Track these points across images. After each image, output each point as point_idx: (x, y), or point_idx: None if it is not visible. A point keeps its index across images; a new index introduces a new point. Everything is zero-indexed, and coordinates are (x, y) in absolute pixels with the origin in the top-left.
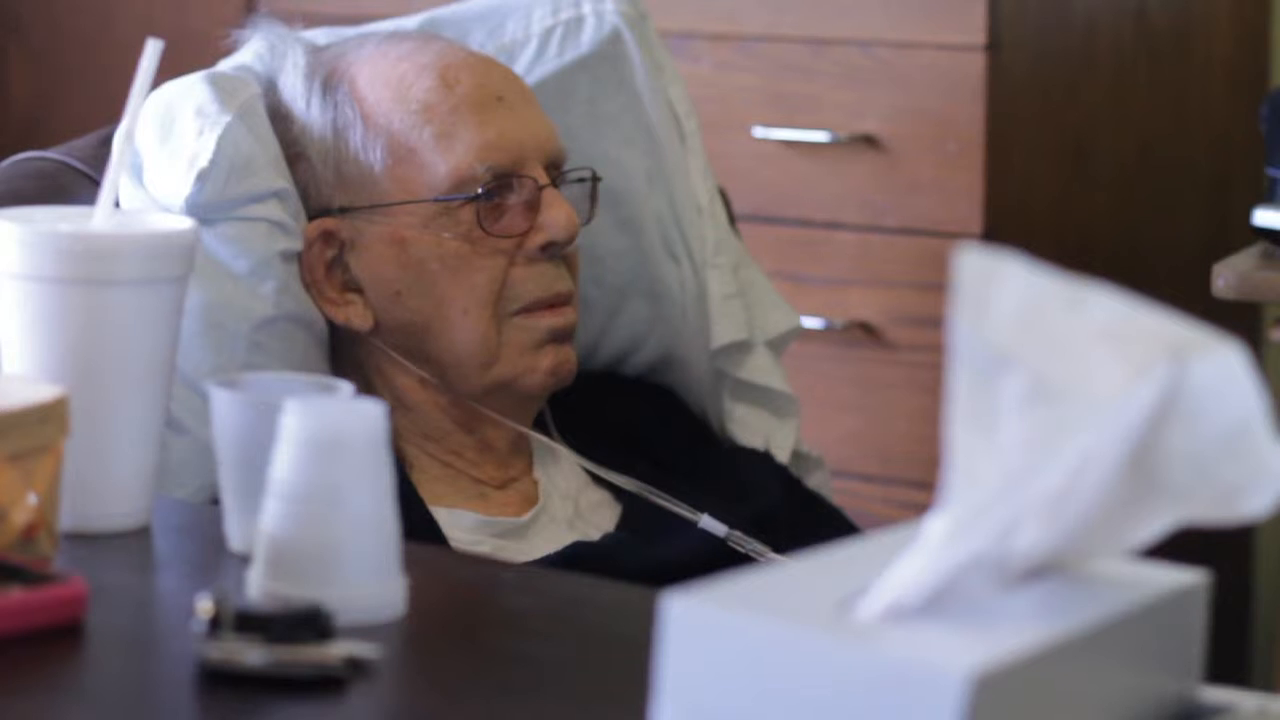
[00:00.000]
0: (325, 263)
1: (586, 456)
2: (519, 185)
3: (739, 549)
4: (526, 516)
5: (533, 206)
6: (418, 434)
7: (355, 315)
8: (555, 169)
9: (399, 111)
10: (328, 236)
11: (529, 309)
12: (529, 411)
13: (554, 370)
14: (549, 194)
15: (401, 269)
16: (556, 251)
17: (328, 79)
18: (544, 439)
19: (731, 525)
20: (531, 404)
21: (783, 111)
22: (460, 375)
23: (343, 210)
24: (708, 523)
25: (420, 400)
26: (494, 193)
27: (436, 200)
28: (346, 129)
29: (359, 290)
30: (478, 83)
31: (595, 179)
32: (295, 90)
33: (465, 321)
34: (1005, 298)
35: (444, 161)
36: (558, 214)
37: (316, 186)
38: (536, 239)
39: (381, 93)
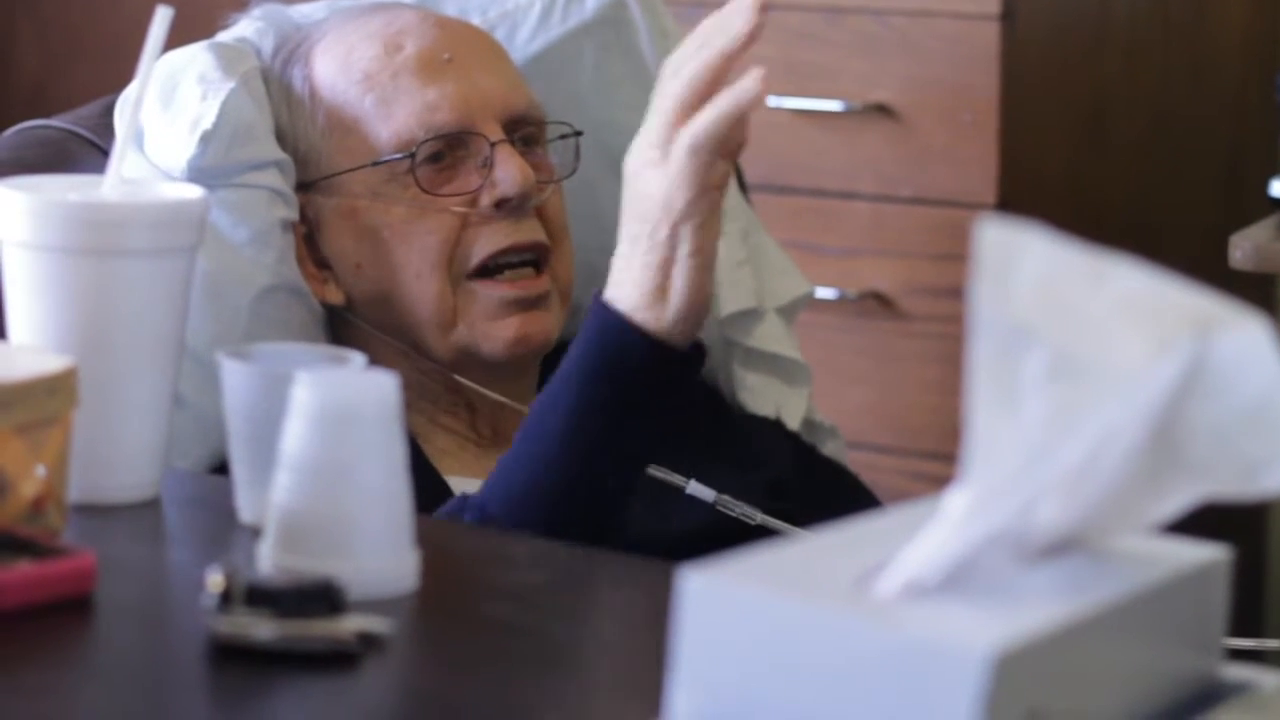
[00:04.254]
0: (303, 239)
1: None
2: (472, 144)
3: (728, 513)
4: None
5: (488, 165)
6: (417, 403)
7: (330, 292)
8: (522, 125)
9: (343, 82)
10: (301, 213)
11: (486, 269)
12: (516, 378)
13: (519, 340)
14: (502, 150)
15: (357, 240)
16: (512, 207)
17: (289, 56)
18: (522, 408)
19: (743, 493)
20: (513, 371)
21: (796, 80)
22: (426, 342)
23: (302, 186)
24: (695, 488)
25: (405, 371)
26: (441, 154)
27: (375, 165)
28: (299, 105)
29: (330, 267)
30: (423, 45)
31: (576, 134)
32: (268, 68)
33: (419, 285)
34: (1026, 271)
35: (385, 128)
36: (510, 170)
37: (290, 164)
38: (489, 196)
39: (329, 66)
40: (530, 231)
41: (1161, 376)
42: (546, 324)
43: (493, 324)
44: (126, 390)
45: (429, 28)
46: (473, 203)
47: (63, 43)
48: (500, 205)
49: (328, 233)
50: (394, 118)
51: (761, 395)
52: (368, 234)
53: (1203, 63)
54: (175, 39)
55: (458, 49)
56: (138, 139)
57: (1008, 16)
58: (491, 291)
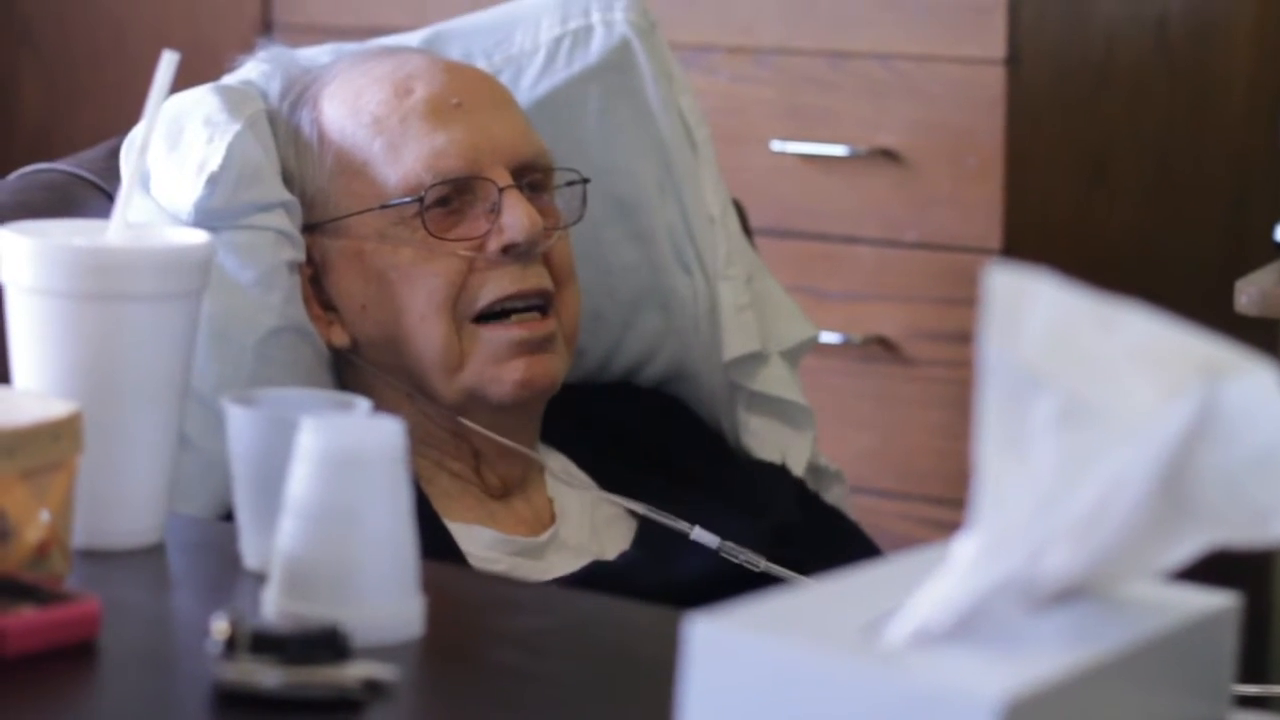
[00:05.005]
0: (309, 281)
1: (599, 469)
2: (480, 189)
3: (731, 559)
4: (544, 537)
5: (495, 210)
6: (420, 448)
7: (335, 334)
8: (530, 172)
9: (352, 126)
10: (307, 255)
11: (492, 312)
12: (521, 423)
13: (526, 382)
14: (510, 196)
15: (364, 283)
16: (519, 252)
17: (297, 99)
18: (527, 452)
19: (748, 539)
20: (518, 416)
21: (801, 125)
22: (432, 385)
23: (309, 228)
24: (699, 534)
25: (410, 415)
26: (449, 199)
27: (384, 208)
28: (307, 148)
29: (336, 308)
30: (432, 90)
31: (584, 181)
32: (275, 110)
33: (424, 328)
34: (1036, 317)
35: (394, 172)
36: (518, 215)
37: (296, 205)
38: (496, 241)
39: (339, 110)
40: (536, 278)
41: (1171, 423)
42: (552, 367)
43: (499, 366)
44: (131, 435)
45: (438, 73)
46: (480, 248)
47: (67, 86)
48: (507, 251)
49: (334, 274)
50: (402, 162)
51: (765, 439)
52: (374, 276)
53: (1207, 108)
54: (181, 82)
55: (467, 94)
56: (144, 181)
57: (1012, 61)
58: (497, 334)
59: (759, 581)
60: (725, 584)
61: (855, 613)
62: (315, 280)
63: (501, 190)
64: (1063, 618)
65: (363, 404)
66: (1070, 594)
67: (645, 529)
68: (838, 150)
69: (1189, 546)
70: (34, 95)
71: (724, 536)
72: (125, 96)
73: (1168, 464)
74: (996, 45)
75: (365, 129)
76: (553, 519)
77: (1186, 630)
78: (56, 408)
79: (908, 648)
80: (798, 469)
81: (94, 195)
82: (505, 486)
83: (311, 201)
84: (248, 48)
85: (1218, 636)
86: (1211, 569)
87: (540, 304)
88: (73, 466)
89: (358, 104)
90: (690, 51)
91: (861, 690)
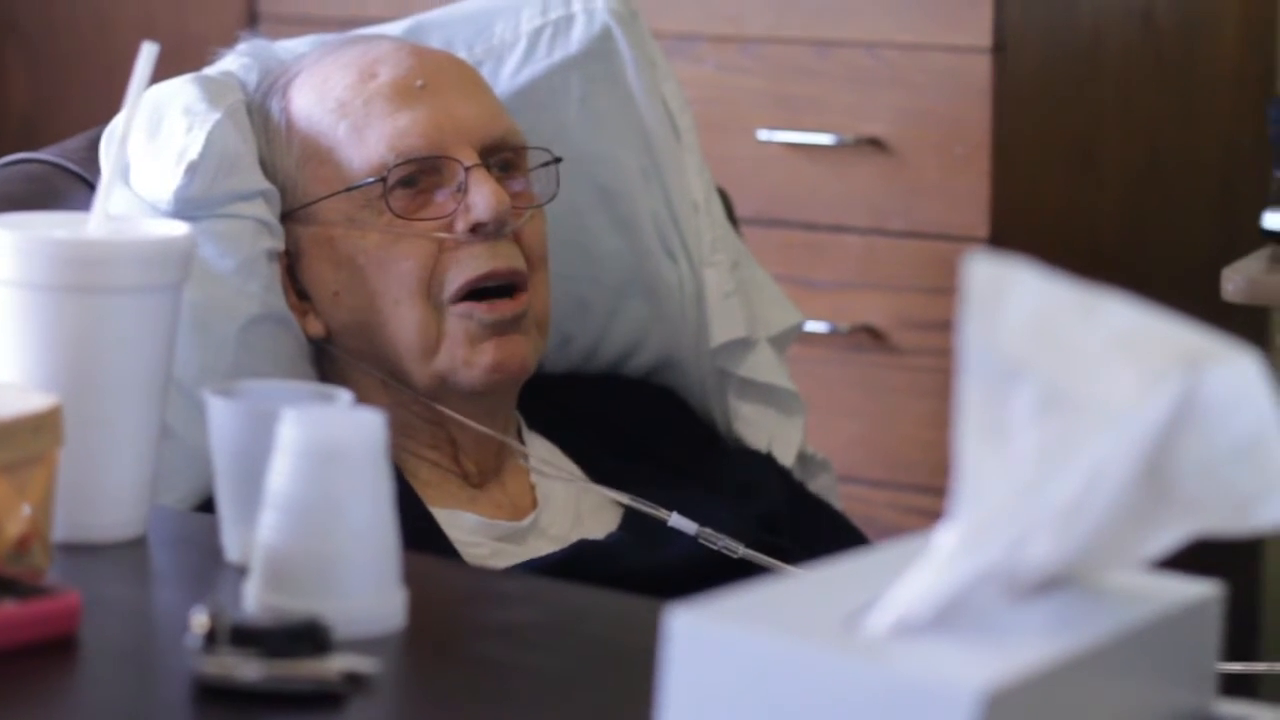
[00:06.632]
0: (285, 271)
1: (587, 457)
2: (446, 169)
3: (710, 545)
4: (526, 521)
5: (462, 190)
6: (397, 436)
7: (310, 324)
8: (499, 151)
9: (318, 112)
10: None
11: (465, 293)
12: (494, 410)
13: (497, 366)
14: (476, 174)
15: (335, 269)
16: (487, 232)
17: (269, 89)
18: (503, 438)
19: (737, 525)
20: (491, 403)
21: (787, 114)
22: (406, 371)
23: (283, 217)
24: (677, 521)
25: (387, 403)
26: (415, 179)
27: (349, 190)
28: (276, 135)
29: (310, 297)
30: (396, 73)
31: (556, 160)
32: (252, 100)
33: (398, 312)
34: (1017, 306)
35: (358, 155)
36: (484, 194)
37: (275, 194)
38: (464, 221)
39: (307, 97)
40: (508, 258)
41: (1152, 412)
42: (523, 349)
43: (469, 350)
44: (112, 428)
45: (404, 56)
46: (448, 228)
47: (53, 76)
48: (475, 230)
49: (306, 262)
50: (366, 143)
51: (757, 426)
52: (344, 262)
53: (1194, 95)
54: (168, 73)
55: (431, 76)
56: (123, 171)
57: (999, 49)
58: (472, 314)
59: (748, 566)
60: (713, 568)
61: (836, 603)
62: (290, 270)
63: (468, 169)
64: (1044, 608)
65: (344, 396)
66: (1052, 584)
67: (629, 516)
68: (824, 139)
69: (1171, 536)
70: (20, 85)
71: (709, 523)
72: (111, 87)
73: (1149, 453)
74: (983, 34)
75: (330, 114)
76: (533, 505)
77: (1169, 620)
78: (36, 401)
79: (888, 638)
80: (789, 454)
81: (76, 185)
82: (482, 474)
83: (283, 189)
84: (233, 39)
85: (1201, 625)
86: (1199, 550)
87: (510, 285)
88: (53, 460)
89: (323, 90)
90: (676, 40)
91: (842, 681)
